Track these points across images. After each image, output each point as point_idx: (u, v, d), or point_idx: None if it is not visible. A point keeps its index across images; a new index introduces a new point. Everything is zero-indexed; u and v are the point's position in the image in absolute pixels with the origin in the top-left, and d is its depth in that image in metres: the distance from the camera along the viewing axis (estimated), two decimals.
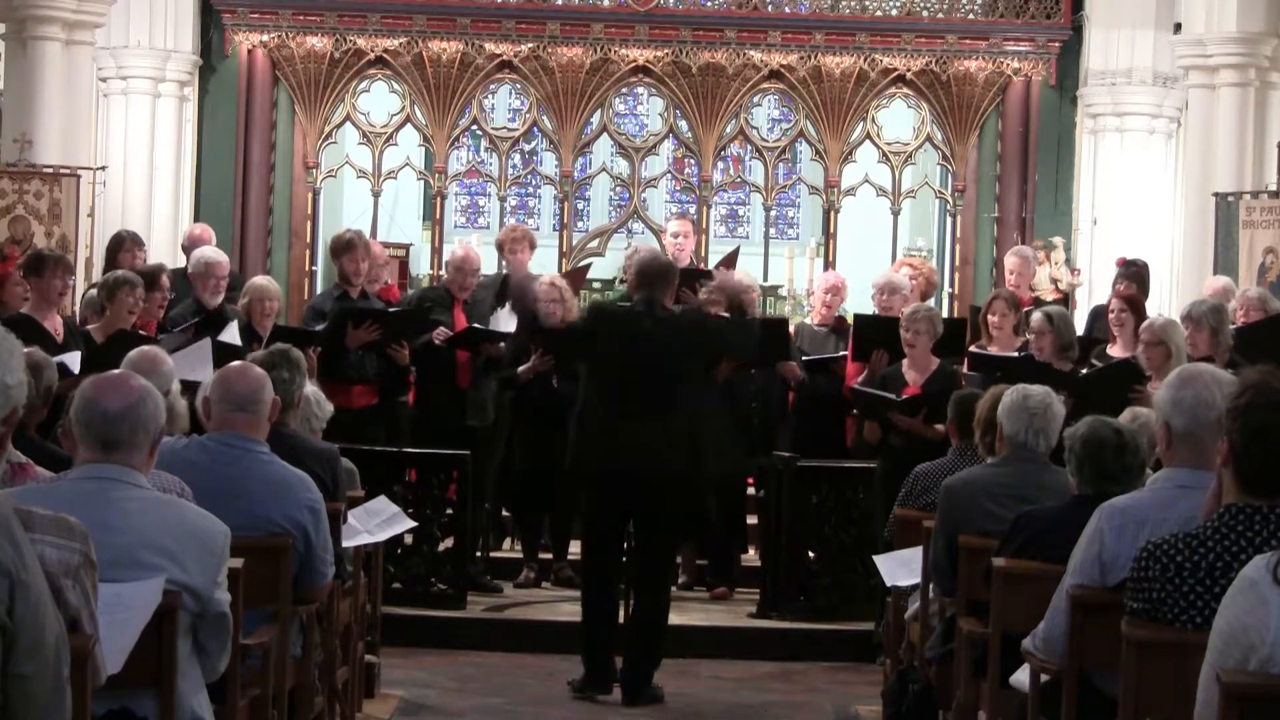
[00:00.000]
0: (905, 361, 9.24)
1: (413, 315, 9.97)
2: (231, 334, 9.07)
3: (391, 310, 9.88)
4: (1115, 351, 9.32)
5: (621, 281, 14.98)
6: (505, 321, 9.86)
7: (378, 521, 7.27)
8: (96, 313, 9.04)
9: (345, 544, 6.47)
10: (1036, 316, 9.10)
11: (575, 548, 9.52)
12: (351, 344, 9.55)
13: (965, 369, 9.37)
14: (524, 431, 9.91)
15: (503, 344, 9.85)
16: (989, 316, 9.76)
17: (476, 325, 9.87)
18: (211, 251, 10.12)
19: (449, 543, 9.61)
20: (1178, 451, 4.39)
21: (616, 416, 7.96)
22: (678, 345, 8.05)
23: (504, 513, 10.64)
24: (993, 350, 9.57)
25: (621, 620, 8.26)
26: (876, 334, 9.59)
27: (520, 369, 9.74)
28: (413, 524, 8.13)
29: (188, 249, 11.05)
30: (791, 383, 10.01)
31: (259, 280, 10.18)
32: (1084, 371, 8.87)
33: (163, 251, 13.35)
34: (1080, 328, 11.72)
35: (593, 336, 8.32)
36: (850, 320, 10.17)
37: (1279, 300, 10.12)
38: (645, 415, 7.90)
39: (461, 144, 16.09)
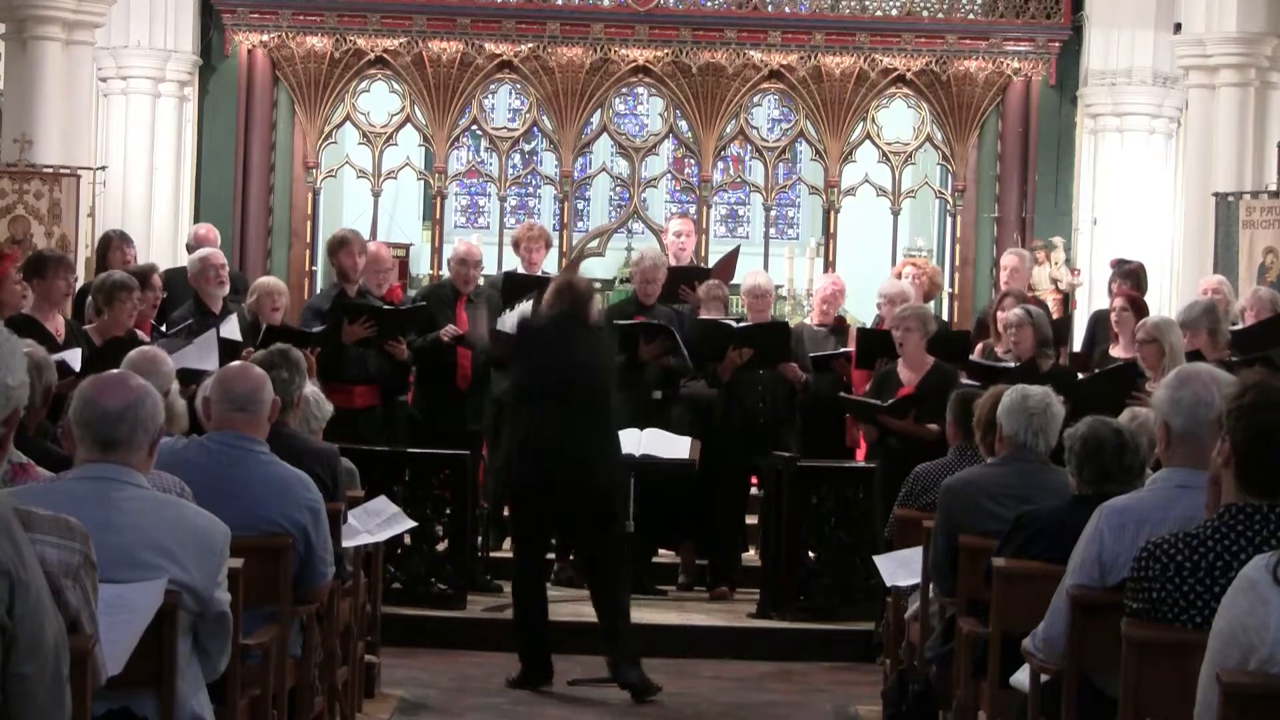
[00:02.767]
0: (900, 361, 9.24)
1: (408, 312, 9.97)
2: (231, 328, 9.07)
3: (386, 307, 9.88)
4: (1118, 352, 9.33)
5: (623, 281, 15.03)
6: (513, 323, 9.86)
7: (378, 521, 7.27)
8: (96, 313, 9.02)
9: (345, 544, 6.47)
10: (1016, 311, 9.09)
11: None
12: (347, 339, 9.55)
13: (965, 377, 9.36)
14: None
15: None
16: (1000, 314, 9.75)
17: (490, 326, 9.87)
18: (203, 250, 10.13)
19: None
20: (1177, 451, 4.40)
21: (553, 426, 8.09)
22: (604, 354, 8.33)
23: (505, 513, 10.64)
24: (1001, 349, 9.56)
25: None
26: (878, 345, 9.62)
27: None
28: (412, 524, 8.14)
29: (192, 249, 11.06)
30: (795, 384, 10.03)
31: (266, 279, 10.21)
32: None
33: (163, 251, 13.36)
34: (1081, 330, 11.75)
35: (522, 347, 8.46)
36: (850, 320, 10.18)
37: None
38: (580, 424, 8.08)
39: (461, 144, 16.07)
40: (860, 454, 9.98)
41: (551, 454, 8.06)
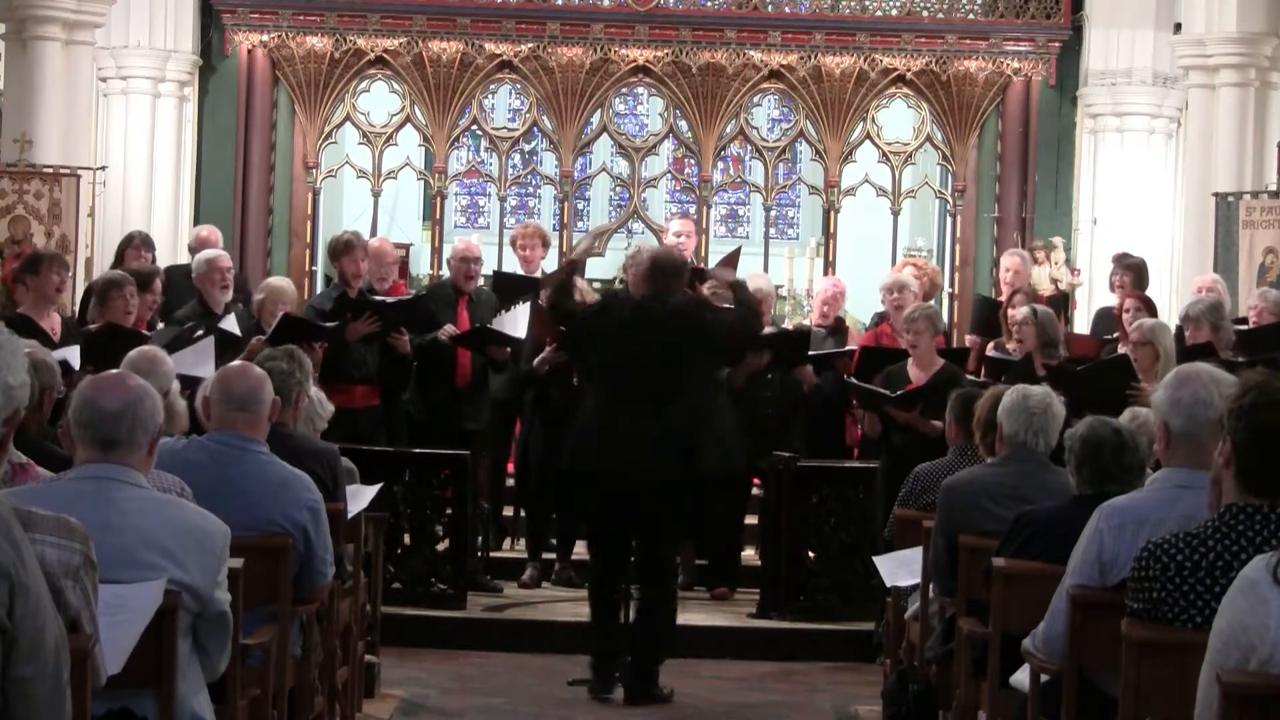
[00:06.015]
0: (910, 361, 9.24)
1: (409, 304, 9.98)
2: (230, 323, 9.06)
3: (390, 302, 9.88)
4: (1126, 349, 9.31)
5: (621, 281, 15.03)
6: (510, 323, 9.86)
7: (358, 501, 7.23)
8: (97, 314, 9.03)
9: (351, 509, 6.49)
10: (1022, 310, 9.11)
11: (579, 548, 9.52)
12: (351, 337, 9.53)
13: (981, 375, 9.34)
14: (541, 429, 9.87)
15: (509, 349, 9.84)
16: (1010, 310, 9.73)
17: (486, 326, 9.87)
18: (211, 251, 10.13)
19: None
20: (1176, 451, 4.40)
21: (618, 411, 7.93)
22: (685, 336, 8.01)
23: (504, 512, 10.64)
24: (1011, 347, 9.55)
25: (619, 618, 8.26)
26: (881, 362, 9.58)
27: (535, 360, 9.73)
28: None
29: (194, 251, 11.05)
30: (805, 387, 10.01)
31: (278, 281, 10.11)
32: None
33: (163, 251, 13.34)
34: (1081, 329, 11.73)
35: (600, 323, 8.24)
36: (850, 321, 10.15)
37: None
38: (646, 410, 7.88)
39: (461, 144, 16.08)
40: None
41: (614, 437, 7.84)
